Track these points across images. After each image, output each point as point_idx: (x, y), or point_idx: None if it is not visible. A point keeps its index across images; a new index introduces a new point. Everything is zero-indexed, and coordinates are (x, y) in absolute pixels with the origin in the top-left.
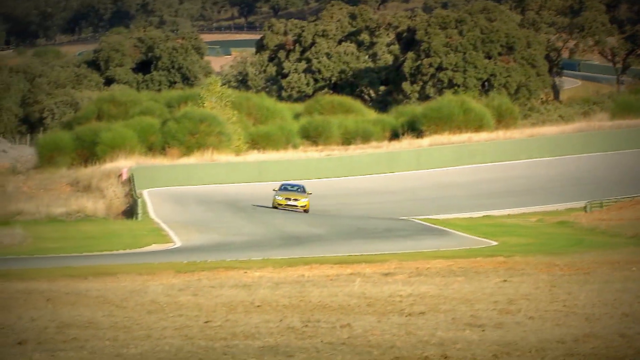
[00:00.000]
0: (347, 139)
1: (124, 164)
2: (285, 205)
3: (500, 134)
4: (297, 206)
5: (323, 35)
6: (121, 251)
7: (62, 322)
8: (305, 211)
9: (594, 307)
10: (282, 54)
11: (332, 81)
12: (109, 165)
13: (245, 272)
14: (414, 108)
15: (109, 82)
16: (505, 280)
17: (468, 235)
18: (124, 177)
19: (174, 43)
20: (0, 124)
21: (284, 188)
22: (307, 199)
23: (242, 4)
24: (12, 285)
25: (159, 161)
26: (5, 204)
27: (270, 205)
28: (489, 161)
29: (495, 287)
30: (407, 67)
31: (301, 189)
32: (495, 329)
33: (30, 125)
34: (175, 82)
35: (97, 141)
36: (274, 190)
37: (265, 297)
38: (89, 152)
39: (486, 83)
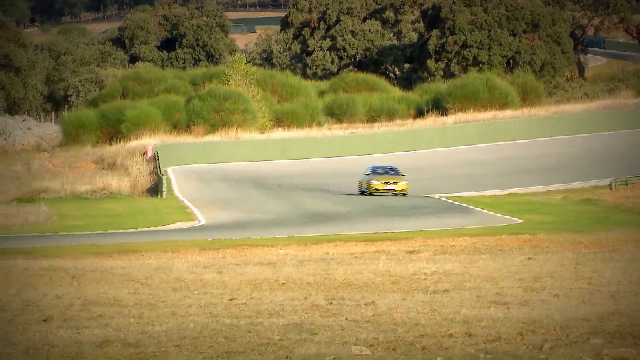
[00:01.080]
0: (372, 117)
1: (149, 141)
2: (384, 190)
3: (525, 111)
4: (396, 190)
5: (348, 13)
6: (146, 229)
7: (87, 299)
8: (404, 195)
9: (619, 284)
10: (306, 32)
11: (357, 59)
12: (133, 143)
13: (270, 250)
14: (439, 86)
15: (133, 59)
16: (530, 258)
17: (493, 213)
18: (149, 154)
19: (199, 21)
20: (25, 101)
21: (375, 171)
22: (405, 182)
23: None
24: (37, 262)
25: (184, 139)
26: (31, 182)
27: (357, 191)
28: (513, 139)
29: (520, 265)
30: (431, 45)
31: (394, 171)
32: (520, 306)
33: (55, 103)
34: (199, 60)
35: (122, 119)
36: (364, 174)
37: (290, 274)
38: (114, 129)
39: (511, 61)
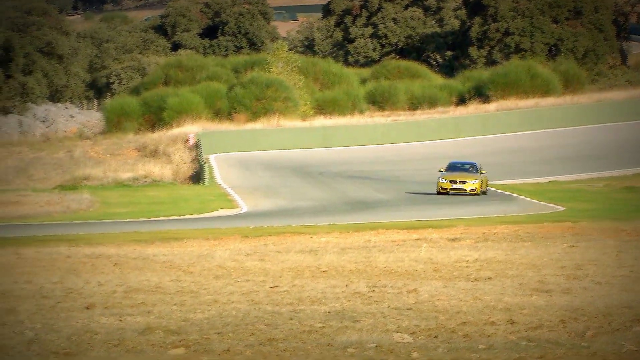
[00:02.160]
0: (414, 104)
1: (191, 129)
2: (451, 189)
3: (567, 99)
4: (465, 190)
5: (389, 0)
6: (188, 216)
7: (129, 286)
8: (477, 194)
9: None
10: (348, 19)
11: (399, 46)
12: (175, 131)
13: (311, 237)
14: (481, 73)
15: (175, 47)
16: (572, 246)
17: (535, 201)
18: (191, 142)
19: (241, 8)
20: (68, 89)
21: (452, 167)
22: (477, 180)
23: None
24: (80, 250)
25: (226, 126)
26: (73, 169)
27: (435, 191)
28: (555, 126)
29: (562, 253)
30: (473, 32)
31: (473, 167)
32: (563, 294)
33: (98, 90)
34: (241, 48)
35: (164, 106)
36: (439, 170)
37: (332, 262)
38: (156, 117)
39: (553, 48)
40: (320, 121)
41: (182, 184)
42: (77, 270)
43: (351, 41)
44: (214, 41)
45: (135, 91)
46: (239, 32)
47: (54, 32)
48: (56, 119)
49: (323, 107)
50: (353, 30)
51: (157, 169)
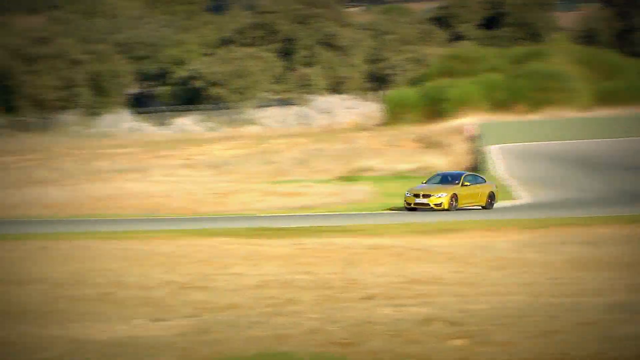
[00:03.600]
0: None
1: (469, 120)
2: (414, 204)
3: None
4: (429, 204)
5: None
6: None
7: (408, 277)
8: (446, 209)
9: None
10: (630, 8)
11: None
12: (454, 122)
13: (589, 229)
14: None
15: (455, 38)
16: None
17: None
18: (469, 133)
19: None
20: (348, 81)
21: (431, 179)
22: (446, 194)
23: None
24: (358, 240)
25: (505, 117)
26: (353, 161)
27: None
28: None
29: None
30: None
31: (455, 179)
32: None
33: (377, 81)
34: (520, 39)
35: (444, 98)
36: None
37: (612, 254)
38: (435, 108)
39: None
40: (601, 112)
41: None
42: (356, 261)
43: (634, 31)
44: (493, 32)
45: (415, 83)
46: (519, 23)
47: (334, 24)
48: (336, 111)
49: (603, 99)
50: (637, 20)
51: (434, 160)
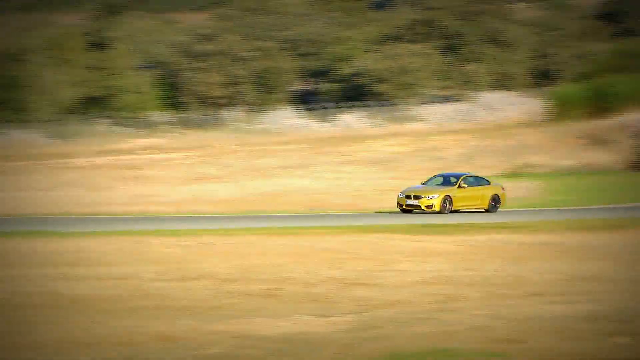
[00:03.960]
0: None
1: (635, 116)
2: (406, 205)
3: None
4: (420, 206)
5: None
6: (630, 204)
7: (572, 274)
8: (438, 211)
9: None
10: None
11: None
12: (619, 118)
13: None
14: None
15: (624, 33)
16: None
17: None
18: (635, 129)
19: None
20: (513, 76)
21: (430, 179)
22: (437, 195)
23: None
24: (516, 237)
25: None
26: (517, 157)
27: None
28: None
29: None
30: None
31: (455, 179)
32: None
33: (543, 77)
34: None
35: (609, 94)
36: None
37: None
38: (601, 104)
39: None
40: None
41: (623, 172)
42: (520, 258)
43: None
44: None
45: (580, 78)
46: None
47: (500, 20)
48: (500, 107)
49: None
50: None
51: (598, 157)
